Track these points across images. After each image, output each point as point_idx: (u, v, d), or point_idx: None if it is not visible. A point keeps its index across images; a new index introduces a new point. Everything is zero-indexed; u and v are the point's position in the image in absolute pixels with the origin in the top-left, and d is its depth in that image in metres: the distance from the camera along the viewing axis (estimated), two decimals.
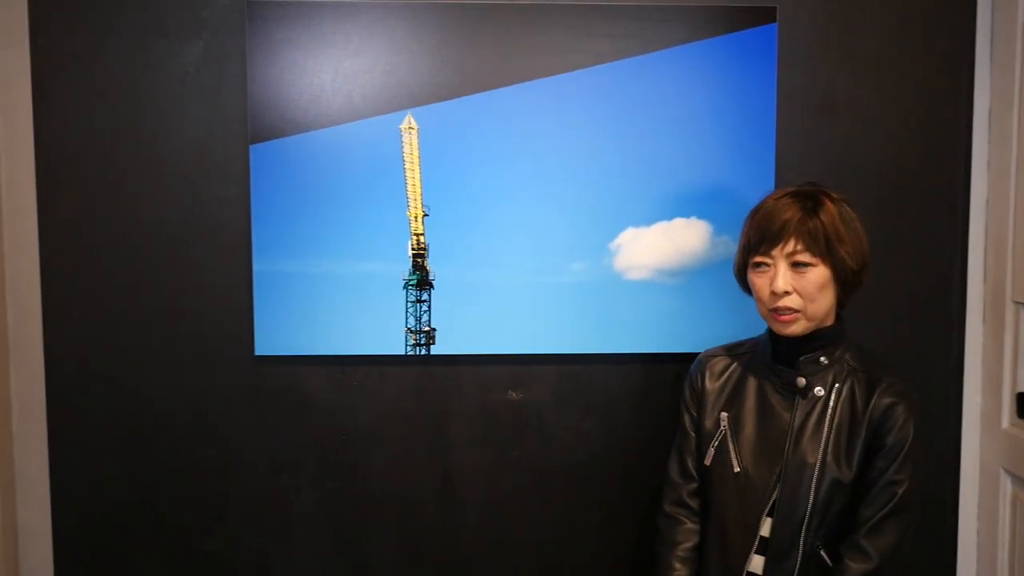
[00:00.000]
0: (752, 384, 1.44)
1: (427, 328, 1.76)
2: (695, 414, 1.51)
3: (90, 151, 1.73)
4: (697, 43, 1.74)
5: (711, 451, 1.44)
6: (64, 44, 1.71)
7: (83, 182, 1.74)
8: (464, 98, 1.73)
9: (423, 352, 1.76)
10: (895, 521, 1.31)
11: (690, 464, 1.50)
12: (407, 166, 1.73)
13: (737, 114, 1.75)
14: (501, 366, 1.80)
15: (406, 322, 1.76)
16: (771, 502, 1.35)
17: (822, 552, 1.35)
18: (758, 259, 1.36)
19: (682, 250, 1.77)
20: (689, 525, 1.49)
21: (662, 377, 1.81)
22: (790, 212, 1.33)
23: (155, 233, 1.75)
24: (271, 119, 1.71)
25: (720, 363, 1.51)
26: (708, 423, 1.47)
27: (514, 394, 1.81)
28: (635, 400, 1.82)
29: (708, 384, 1.50)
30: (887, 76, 1.78)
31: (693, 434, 1.51)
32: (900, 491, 1.31)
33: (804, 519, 1.33)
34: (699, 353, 1.79)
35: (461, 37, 1.72)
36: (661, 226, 1.76)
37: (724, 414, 1.45)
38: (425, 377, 1.80)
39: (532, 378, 1.81)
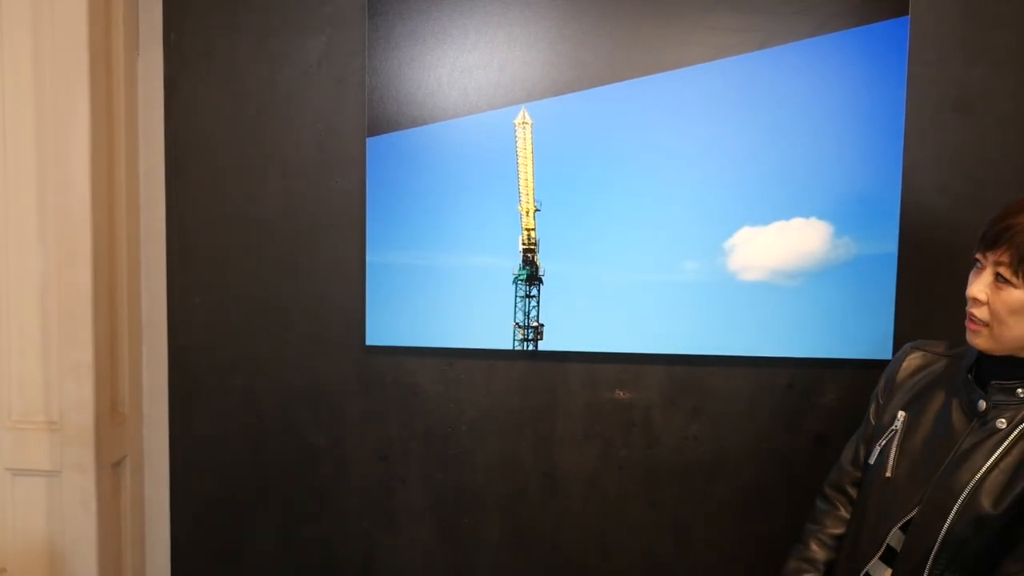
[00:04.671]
0: (941, 392, 1.33)
1: (535, 323, 1.76)
2: (882, 402, 1.41)
3: (215, 143, 1.80)
4: (823, 37, 1.67)
5: (876, 449, 1.35)
6: (194, 40, 1.78)
7: (207, 173, 1.81)
8: (579, 93, 1.72)
9: (531, 347, 1.76)
10: None
11: (862, 453, 1.43)
12: (520, 161, 1.73)
13: (863, 111, 1.68)
14: (609, 364, 1.78)
15: (514, 317, 1.76)
16: (907, 519, 1.26)
17: None
18: (976, 255, 1.23)
19: (800, 251, 1.71)
20: (842, 512, 1.43)
21: (775, 382, 1.76)
22: (1020, 219, 1.17)
23: (274, 223, 1.81)
24: (388, 113, 1.74)
25: (917, 360, 1.40)
26: (886, 417, 1.38)
27: (621, 393, 1.79)
28: (746, 404, 1.77)
29: (900, 375, 1.40)
30: None
31: (873, 423, 1.42)
32: None
33: (932, 549, 1.22)
34: (815, 358, 1.74)
35: (577, 32, 1.71)
36: (779, 226, 1.71)
37: (902, 413, 1.35)
38: (532, 373, 1.80)
39: (640, 378, 1.78)
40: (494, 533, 1.84)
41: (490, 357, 1.79)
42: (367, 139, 1.74)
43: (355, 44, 1.75)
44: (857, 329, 1.70)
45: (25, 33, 1.67)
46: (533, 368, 1.80)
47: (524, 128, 1.72)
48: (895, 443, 1.33)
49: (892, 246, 1.68)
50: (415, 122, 1.74)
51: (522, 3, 1.71)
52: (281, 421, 1.84)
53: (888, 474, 1.31)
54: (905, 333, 1.72)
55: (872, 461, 1.36)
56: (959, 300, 1.70)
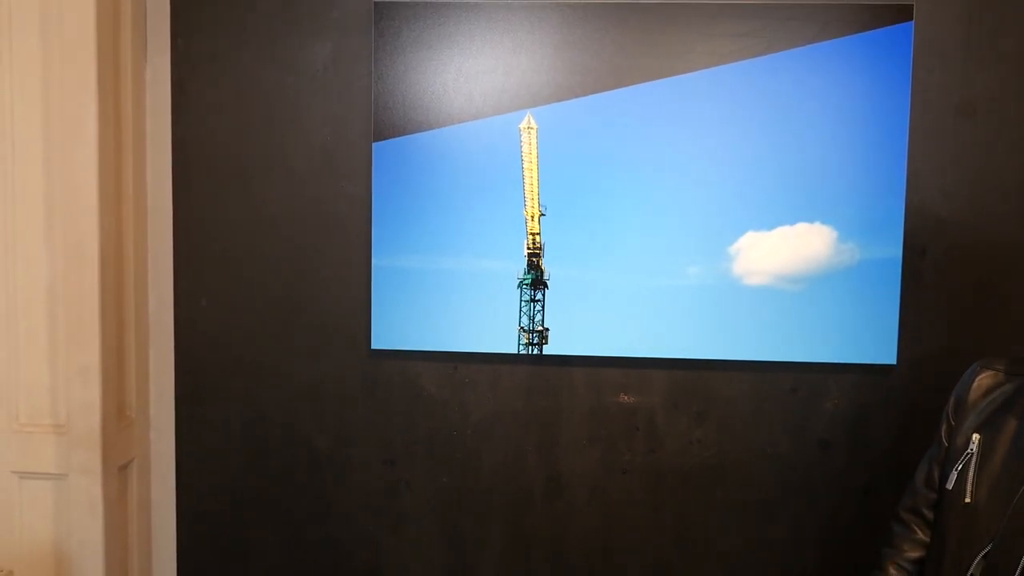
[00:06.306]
0: (1015, 413, 1.28)
1: (540, 328, 1.76)
2: (954, 423, 1.37)
3: (222, 148, 1.81)
4: (826, 42, 1.68)
5: (954, 474, 1.30)
6: (202, 46, 1.79)
7: (215, 177, 1.82)
8: (584, 98, 1.73)
9: (535, 351, 1.76)
10: None
11: (936, 474, 1.39)
12: (525, 165, 1.74)
13: (868, 116, 1.68)
14: (613, 368, 1.78)
15: (519, 321, 1.76)
16: (989, 547, 1.21)
17: None
18: None
19: (805, 256, 1.71)
20: (919, 536, 1.40)
21: (779, 386, 1.76)
22: None
23: (281, 227, 1.81)
24: (394, 117, 1.75)
25: (988, 379, 1.36)
26: (960, 440, 1.33)
27: (625, 397, 1.79)
28: (750, 409, 1.77)
29: (971, 396, 1.36)
30: None
31: (947, 444, 1.38)
32: None
33: None
34: (819, 363, 1.73)
35: (581, 37, 1.72)
36: (783, 230, 1.71)
37: (976, 436, 1.30)
38: (537, 377, 1.80)
39: (644, 382, 1.78)
40: (498, 536, 1.84)
41: (495, 361, 1.80)
42: (373, 144, 1.75)
43: (362, 49, 1.76)
44: (861, 334, 1.70)
45: (34, 38, 1.67)
46: (538, 372, 1.80)
47: (529, 133, 1.73)
48: (972, 467, 1.28)
49: (896, 251, 1.69)
50: (421, 127, 1.75)
51: (527, 9, 1.71)
52: (287, 424, 1.85)
53: (968, 499, 1.26)
54: (909, 338, 1.72)
55: (950, 486, 1.31)
56: (963, 305, 1.72)
